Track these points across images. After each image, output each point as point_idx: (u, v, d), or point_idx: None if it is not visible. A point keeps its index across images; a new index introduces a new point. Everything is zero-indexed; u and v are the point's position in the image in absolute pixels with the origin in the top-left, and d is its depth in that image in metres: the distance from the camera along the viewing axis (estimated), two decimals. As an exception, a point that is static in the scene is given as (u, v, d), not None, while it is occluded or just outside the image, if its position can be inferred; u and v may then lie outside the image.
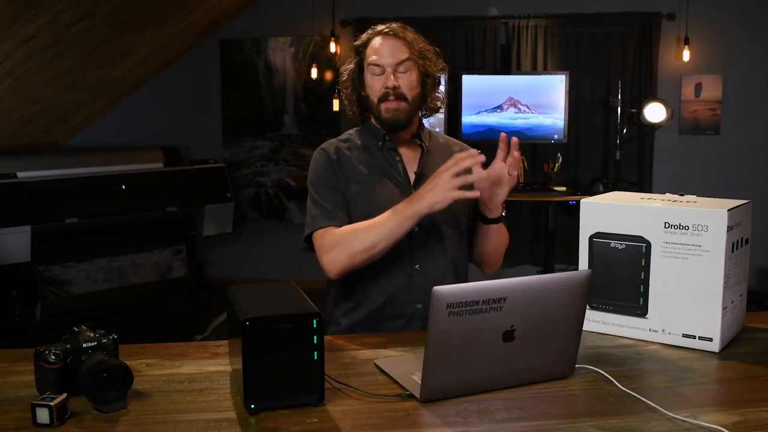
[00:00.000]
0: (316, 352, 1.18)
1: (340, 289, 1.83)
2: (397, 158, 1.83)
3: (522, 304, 1.23)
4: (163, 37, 5.02)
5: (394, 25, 1.80)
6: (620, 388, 1.27)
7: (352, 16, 5.36)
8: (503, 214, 1.77)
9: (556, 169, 4.91)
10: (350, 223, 1.75)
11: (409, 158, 1.85)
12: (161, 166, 5.08)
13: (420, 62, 1.80)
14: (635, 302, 1.54)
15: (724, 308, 1.46)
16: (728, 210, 1.43)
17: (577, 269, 1.43)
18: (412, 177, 1.82)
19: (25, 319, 4.46)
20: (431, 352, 1.19)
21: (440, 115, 4.87)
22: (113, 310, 4.71)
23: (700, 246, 1.45)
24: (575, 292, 1.29)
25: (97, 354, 1.23)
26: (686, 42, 5.03)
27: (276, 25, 5.51)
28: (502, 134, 1.68)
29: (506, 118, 4.91)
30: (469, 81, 4.96)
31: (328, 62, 5.42)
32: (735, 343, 1.52)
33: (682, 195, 1.61)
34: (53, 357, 1.20)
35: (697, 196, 1.60)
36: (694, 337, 1.48)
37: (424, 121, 1.93)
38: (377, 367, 1.39)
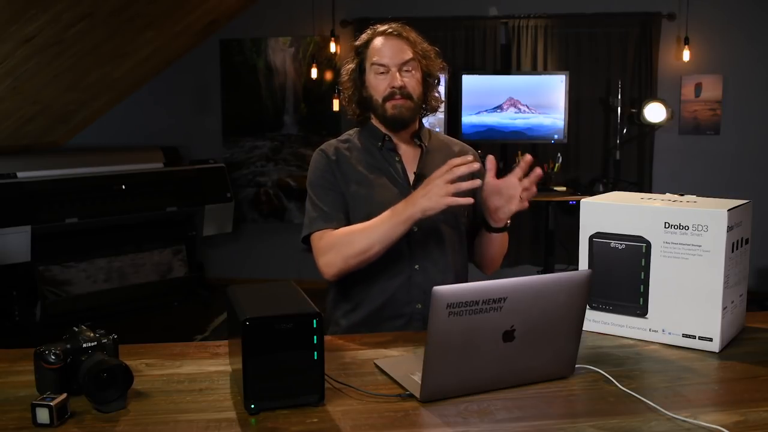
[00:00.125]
0: (316, 352, 1.18)
1: (339, 289, 1.83)
2: (397, 158, 1.84)
3: (522, 304, 1.23)
4: (163, 37, 5.02)
5: (395, 24, 1.81)
6: (620, 388, 1.27)
7: (352, 16, 5.36)
8: (507, 224, 1.77)
9: (556, 169, 4.91)
10: (349, 224, 1.75)
11: (409, 158, 1.85)
12: (161, 166, 5.08)
13: (423, 62, 1.80)
14: (635, 302, 1.54)
15: (724, 308, 1.46)
16: (728, 210, 1.43)
17: (577, 269, 1.43)
18: (411, 177, 1.82)
19: (25, 319, 4.46)
20: (431, 352, 1.19)
21: (440, 115, 4.88)
22: (113, 310, 4.70)
23: (700, 246, 1.45)
24: (575, 292, 1.29)
25: (97, 354, 1.23)
26: (686, 42, 5.03)
27: (276, 25, 5.51)
28: (528, 156, 1.66)
29: (506, 118, 4.91)
30: (469, 81, 4.96)
31: (328, 62, 5.42)
32: (735, 343, 1.52)
33: (682, 195, 1.61)
34: (53, 357, 1.20)
35: (697, 196, 1.60)
36: (694, 337, 1.48)
37: (424, 120, 1.94)
38: (377, 367, 1.39)
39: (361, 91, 1.84)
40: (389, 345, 1.54)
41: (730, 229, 1.43)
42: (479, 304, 1.19)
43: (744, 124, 5.17)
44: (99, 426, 1.14)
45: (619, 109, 5.04)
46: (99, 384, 1.17)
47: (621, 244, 1.55)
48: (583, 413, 1.20)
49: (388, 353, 1.48)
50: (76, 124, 5.54)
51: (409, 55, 1.77)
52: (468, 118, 4.95)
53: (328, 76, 5.44)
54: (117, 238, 4.89)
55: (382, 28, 1.81)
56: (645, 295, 1.53)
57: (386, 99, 1.77)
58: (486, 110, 4.94)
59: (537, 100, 4.89)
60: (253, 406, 1.16)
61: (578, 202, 1.62)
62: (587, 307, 1.52)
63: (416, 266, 1.77)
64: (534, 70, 5.18)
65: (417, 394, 1.22)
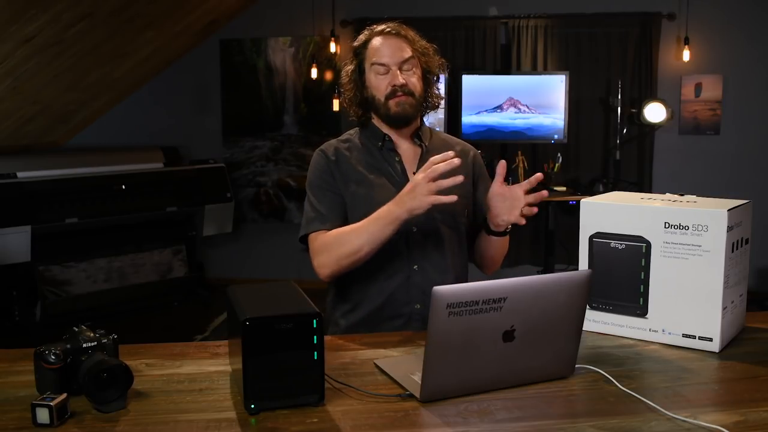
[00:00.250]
0: (316, 352, 1.18)
1: (339, 290, 1.84)
2: (397, 158, 1.84)
3: (522, 304, 1.23)
4: (163, 37, 5.02)
5: (392, 24, 1.81)
6: (620, 388, 1.27)
7: (352, 16, 5.36)
8: (507, 229, 1.77)
9: (556, 169, 4.90)
10: (347, 225, 1.75)
11: (409, 158, 1.85)
12: (161, 166, 5.08)
13: (422, 59, 1.81)
14: (635, 302, 1.54)
15: (724, 308, 1.46)
16: (728, 210, 1.43)
17: (577, 269, 1.43)
18: (411, 177, 1.82)
19: (25, 319, 4.46)
20: (431, 352, 1.19)
21: (440, 115, 4.88)
22: (113, 310, 4.71)
23: (700, 246, 1.45)
24: (575, 292, 1.29)
25: (97, 354, 1.23)
26: (686, 42, 5.03)
27: (276, 25, 5.51)
28: (539, 174, 1.67)
29: (506, 118, 4.91)
30: (469, 81, 4.96)
31: (328, 62, 5.42)
32: (735, 343, 1.52)
33: (682, 195, 1.61)
34: (53, 357, 1.20)
35: (697, 196, 1.60)
36: (694, 337, 1.48)
37: (425, 120, 1.94)
38: (377, 367, 1.39)
39: (362, 92, 1.84)
40: (389, 345, 1.54)
41: (730, 229, 1.43)
42: (479, 304, 1.19)
43: (744, 124, 5.17)
44: (99, 426, 1.14)
45: (619, 109, 5.04)
46: (99, 384, 1.17)
47: (621, 244, 1.55)
48: (583, 413, 1.20)
49: (388, 353, 1.48)
50: (76, 124, 5.54)
51: (408, 53, 1.78)
52: (468, 118, 4.95)
53: (328, 76, 5.44)
54: (117, 238, 4.89)
55: (379, 27, 1.82)
56: (645, 295, 1.53)
57: (388, 97, 1.78)
58: (486, 110, 4.94)
59: (537, 100, 4.89)
60: (253, 406, 1.16)
61: (578, 202, 1.62)
62: (587, 307, 1.52)
63: (415, 266, 1.77)
64: (534, 70, 5.18)
65: (417, 394, 1.22)
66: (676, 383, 1.31)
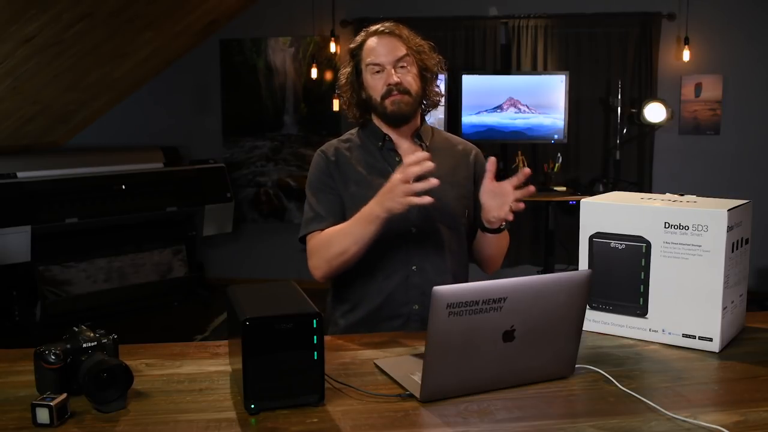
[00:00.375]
0: (316, 352, 1.18)
1: (338, 290, 1.84)
2: (397, 159, 1.84)
3: (522, 304, 1.23)
4: (163, 37, 5.02)
5: (387, 23, 1.82)
6: (620, 388, 1.27)
7: (352, 16, 5.36)
8: (501, 226, 1.76)
9: (556, 169, 4.90)
10: None
11: (409, 158, 1.84)
12: (161, 166, 5.08)
13: (418, 57, 1.81)
14: (635, 302, 1.54)
15: (724, 308, 1.46)
16: (728, 210, 1.43)
17: (577, 269, 1.43)
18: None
19: (25, 319, 4.46)
20: (431, 352, 1.19)
21: (440, 115, 4.88)
22: (113, 310, 4.70)
23: (700, 246, 1.45)
24: (575, 292, 1.29)
25: (97, 354, 1.23)
26: (686, 42, 5.02)
27: (276, 25, 5.50)
28: (527, 170, 1.66)
29: (506, 118, 4.91)
30: (469, 81, 4.96)
31: (328, 62, 5.42)
32: (735, 343, 1.52)
33: (682, 195, 1.61)
34: (53, 357, 1.20)
35: (697, 196, 1.60)
36: (694, 337, 1.48)
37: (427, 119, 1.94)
38: (377, 367, 1.39)
39: (359, 93, 1.84)
40: (389, 345, 1.54)
41: (730, 229, 1.43)
42: (479, 304, 1.19)
43: (744, 124, 5.16)
44: (99, 426, 1.14)
45: (619, 109, 5.03)
46: (99, 384, 1.17)
47: (621, 244, 1.55)
48: (583, 413, 1.20)
49: (388, 353, 1.48)
50: (76, 124, 5.54)
51: (402, 51, 1.78)
52: (468, 118, 4.95)
53: (328, 76, 5.44)
54: (117, 238, 4.88)
55: (374, 28, 1.82)
56: (645, 295, 1.53)
57: (384, 96, 1.78)
58: (486, 110, 4.94)
59: (537, 100, 4.89)
60: (253, 406, 1.16)
61: (578, 202, 1.62)
62: (587, 307, 1.52)
63: (413, 267, 1.77)
64: (534, 70, 5.18)
65: (417, 394, 1.22)
66: (676, 383, 1.31)
